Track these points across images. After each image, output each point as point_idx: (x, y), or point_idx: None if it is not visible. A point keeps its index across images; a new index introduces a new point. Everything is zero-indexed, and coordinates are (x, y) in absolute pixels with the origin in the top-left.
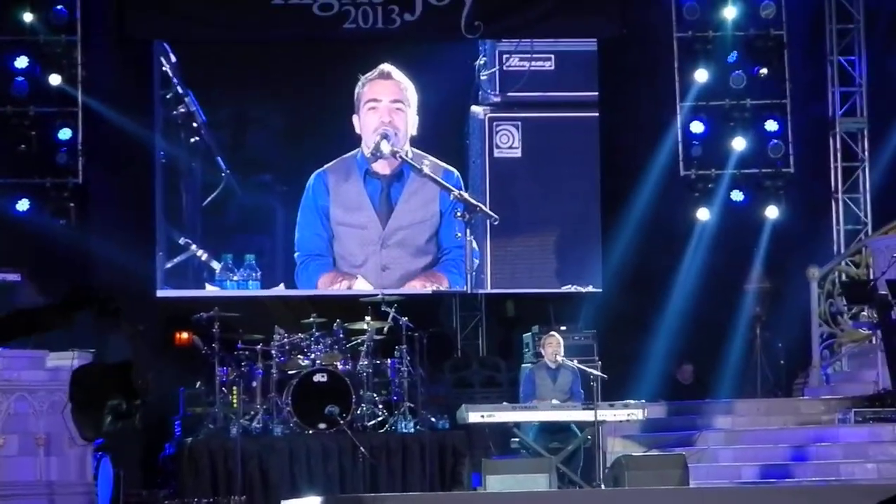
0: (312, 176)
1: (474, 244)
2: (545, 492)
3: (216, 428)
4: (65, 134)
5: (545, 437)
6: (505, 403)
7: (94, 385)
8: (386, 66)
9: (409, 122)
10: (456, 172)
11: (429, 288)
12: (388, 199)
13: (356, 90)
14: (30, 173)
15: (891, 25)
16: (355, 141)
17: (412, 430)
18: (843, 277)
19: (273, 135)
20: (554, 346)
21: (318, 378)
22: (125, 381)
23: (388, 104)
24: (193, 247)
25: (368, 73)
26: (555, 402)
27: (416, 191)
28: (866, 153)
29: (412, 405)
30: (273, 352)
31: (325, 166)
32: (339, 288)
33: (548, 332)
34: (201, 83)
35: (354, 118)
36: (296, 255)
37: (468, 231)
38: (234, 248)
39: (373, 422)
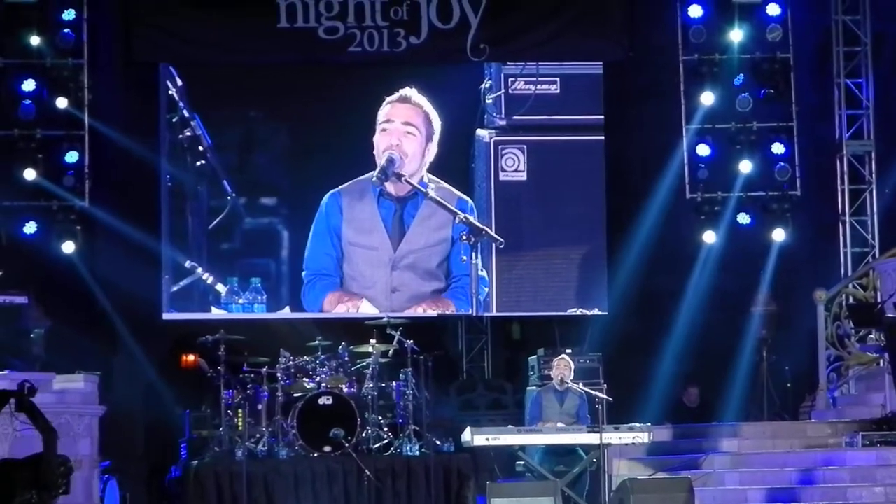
0: (327, 196)
1: (483, 273)
2: None
3: (222, 451)
4: (71, 157)
5: (551, 460)
6: (510, 426)
7: (4, 480)
8: (406, 90)
9: (425, 148)
10: (470, 202)
11: (434, 312)
12: (400, 222)
13: (378, 113)
14: (37, 196)
15: None
16: (363, 163)
17: (417, 452)
18: (851, 300)
19: (279, 158)
20: (562, 369)
21: (323, 401)
22: (36, 475)
23: (399, 126)
24: (199, 270)
25: (391, 96)
26: (560, 425)
27: (430, 215)
28: (873, 176)
29: (417, 428)
30: (278, 374)
31: (340, 187)
32: (345, 308)
33: (556, 355)
34: (207, 106)
35: (374, 139)
36: (303, 273)
37: (474, 255)
38: (240, 271)
39: (378, 444)
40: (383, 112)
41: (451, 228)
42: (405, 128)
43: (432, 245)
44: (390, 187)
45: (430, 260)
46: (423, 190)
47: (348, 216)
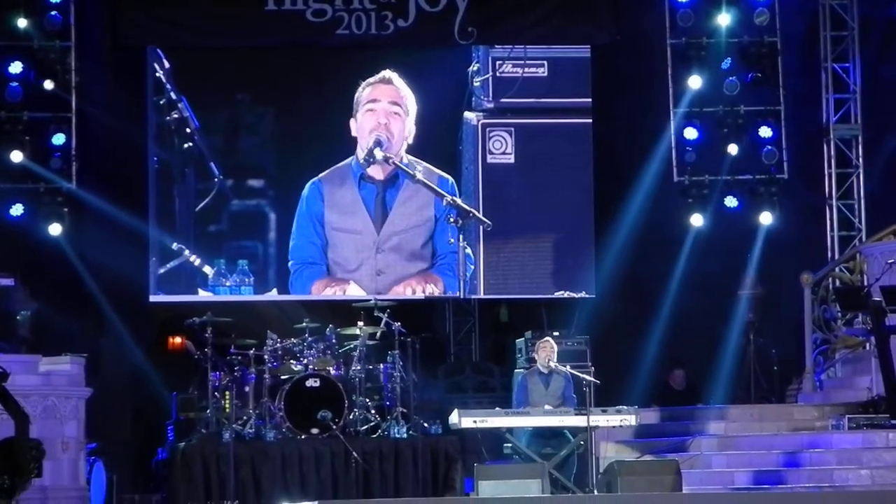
0: (307, 185)
1: (469, 251)
2: (537, 497)
3: (209, 433)
4: (59, 139)
5: (538, 443)
6: (498, 409)
7: None
8: (387, 72)
9: (406, 129)
10: (451, 179)
11: (422, 290)
12: (383, 205)
13: (356, 94)
14: (23, 178)
15: (885, 32)
16: (349, 146)
17: (405, 435)
18: (838, 283)
19: (266, 140)
20: (547, 352)
21: (310, 383)
22: (8, 459)
23: (386, 106)
24: (186, 252)
25: (370, 78)
26: (547, 407)
27: (411, 196)
28: (860, 159)
29: (405, 410)
30: (266, 357)
31: (320, 175)
32: (336, 291)
33: (541, 338)
34: (194, 89)
35: (351, 122)
36: (290, 263)
37: (461, 237)
38: (227, 253)
39: (365, 427)
40: (365, 93)
41: (434, 208)
42: (392, 107)
43: (416, 226)
44: (372, 171)
45: (414, 241)
46: (411, 172)
47: (330, 202)
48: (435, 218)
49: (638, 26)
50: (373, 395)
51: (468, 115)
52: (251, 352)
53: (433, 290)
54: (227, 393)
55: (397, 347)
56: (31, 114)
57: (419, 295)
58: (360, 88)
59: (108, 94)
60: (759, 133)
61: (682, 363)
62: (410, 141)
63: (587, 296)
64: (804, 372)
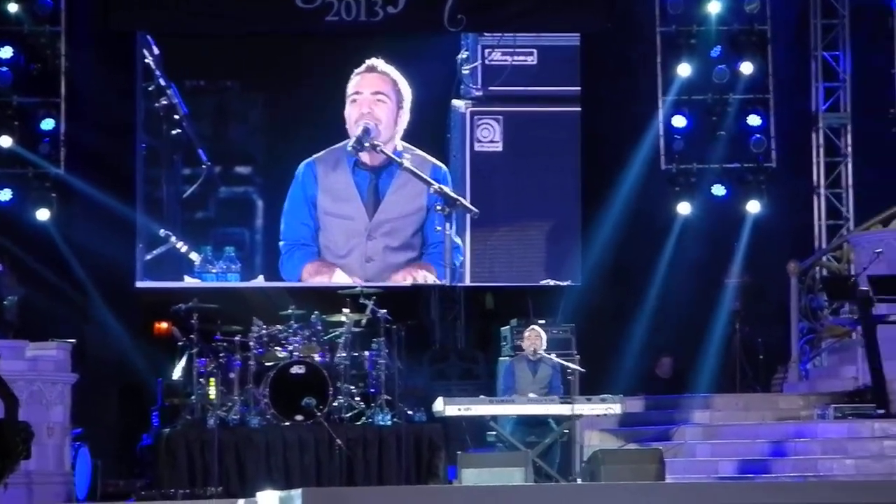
0: (302, 165)
1: (458, 240)
2: (521, 486)
3: (194, 419)
4: (47, 124)
5: (522, 431)
6: (482, 397)
7: None
8: (373, 60)
9: (398, 116)
10: (444, 168)
11: (416, 279)
12: (375, 191)
13: (347, 87)
14: (12, 163)
15: (876, 20)
16: (338, 133)
17: (389, 422)
18: (825, 273)
19: (254, 128)
20: (534, 339)
21: (295, 370)
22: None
23: (368, 96)
24: (173, 238)
25: (358, 68)
26: (532, 395)
27: (404, 184)
28: (849, 148)
29: (389, 398)
30: (251, 343)
31: (315, 156)
32: (325, 278)
33: (529, 326)
34: (183, 76)
35: (345, 113)
36: (280, 243)
37: (449, 226)
38: (214, 240)
39: (350, 414)
40: (352, 84)
41: (426, 197)
42: (374, 97)
43: (408, 214)
44: (365, 157)
45: (405, 229)
46: (398, 160)
47: (324, 185)
48: (427, 207)
49: (628, 14)
50: (357, 382)
51: (456, 102)
52: (237, 338)
53: (426, 278)
54: (212, 379)
55: (382, 335)
56: (21, 98)
57: (407, 282)
58: (350, 78)
59: (98, 79)
60: (748, 121)
61: (670, 351)
62: (404, 126)
63: (573, 284)
64: (790, 361)
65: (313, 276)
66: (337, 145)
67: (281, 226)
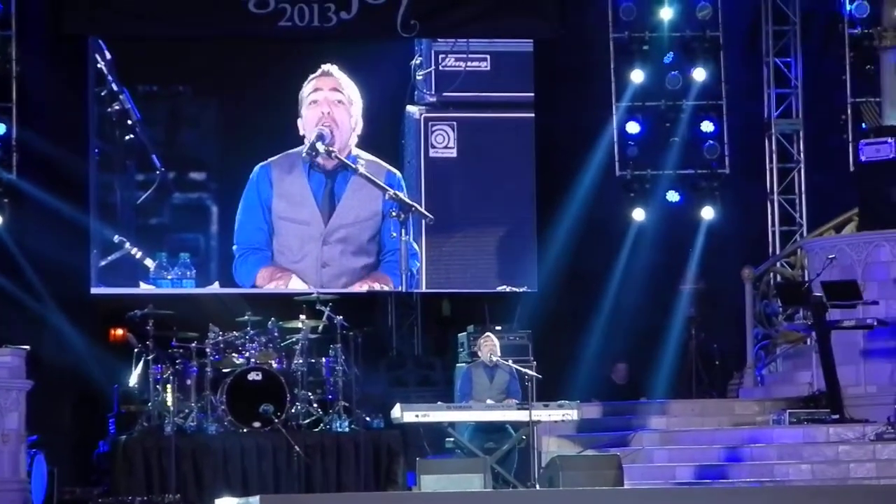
0: (256, 168)
1: (415, 246)
2: (479, 492)
3: (150, 426)
4: None
5: (480, 437)
6: (440, 403)
7: None
8: (327, 66)
9: (352, 120)
10: (398, 174)
11: (368, 289)
12: (331, 196)
13: (300, 93)
14: None
15: (826, 27)
16: (292, 139)
17: (347, 429)
18: (779, 279)
19: (208, 133)
20: (489, 346)
21: (252, 376)
22: None
23: (327, 94)
24: (128, 245)
25: (312, 74)
26: (490, 401)
27: (360, 188)
28: (802, 154)
29: (347, 404)
30: (207, 350)
31: (269, 160)
32: (279, 283)
33: (483, 333)
34: (136, 81)
35: (298, 121)
36: (234, 248)
37: (404, 231)
38: (169, 246)
39: (307, 420)
40: (308, 87)
41: (382, 202)
42: (334, 95)
43: (363, 220)
44: (320, 160)
45: (360, 235)
46: (353, 166)
47: (278, 190)
48: (382, 213)
49: (581, 20)
50: (315, 388)
51: (411, 108)
52: (193, 345)
53: (381, 288)
54: (168, 386)
55: (339, 341)
56: None
57: (363, 289)
58: (304, 85)
59: (50, 84)
60: (701, 127)
61: (625, 357)
62: (359, 132)
63: (529, 290)
64: (745, 367)
65: (268, 281)
66: (291, 150)
67: (235, 229)
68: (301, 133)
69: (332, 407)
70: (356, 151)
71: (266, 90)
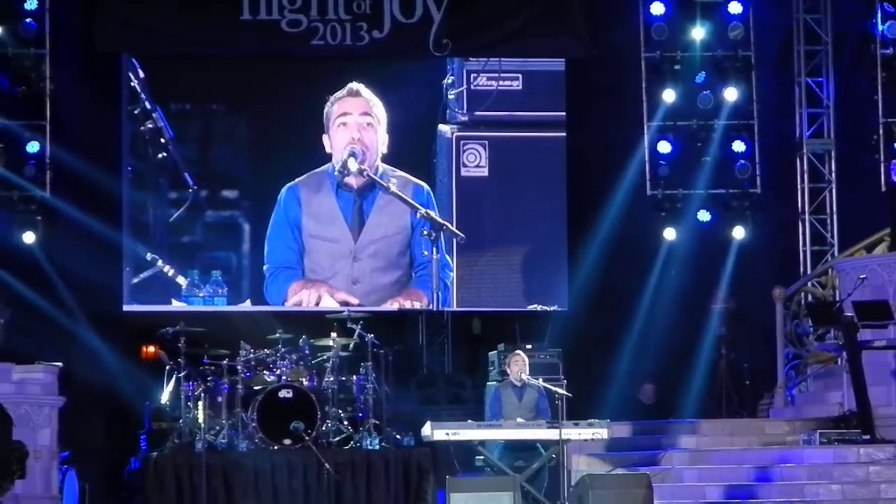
0: (284, 189)
1: (447, 257)
2: None
3: (181, 443)
4: (33, 147)
5: (510, 456)
6: (470, 421)
7: None
8: (354, 84)
9: (379, 140)
10: (426, 187)
11: (399, 307)
12: (360, 213)
13: (325, 109)
14: None
15: (858, 47)
16: (323, 156)
17: (377, 446)
18: (810, 298)
19: (240, 151)
20: (520, 365)
21: (283, 394)
22: None
23: (357, 118)
24: (160, 262)
25: (337, 92)
26: (520, 420)
27: (388, 204)
28: (833, 174)
29: (377, 422)
30: (239, 367)
31: (297, 180)
32: (311, 293)
33: (513, 351)
34: (169, 99)
35: (324, 138)
36: (265, 267)
37: (435, 250)
38: (201, 263)
39: (338, 438)
40: (335, 108)
41: (411, 216)
42: (364, 119)
43: (392, 234)
44: (349, 179)
45: (390, 249)
46: (385, 184)
47: (307, 209)
48: (411, 226)
49: (613, 40)
50: (345, 406)
51: (442, 127)
52: (224, 362)
53: (415, 306)
54: (199, 403)
55: (370, 359)
56: (5, 121)
57: (394, 307)
58: (328, 104)
59: (83, 102)
60: (733, 147)
61: (653, 378)
62: (385, 150)
63: (560, 309)
64: (776, 386)
65: (298, 293)
66: (318, 169)
67: (265, 250)
68: (328, 151)
69: (363, 425)
70: (383, 168)
71: (298, 107)
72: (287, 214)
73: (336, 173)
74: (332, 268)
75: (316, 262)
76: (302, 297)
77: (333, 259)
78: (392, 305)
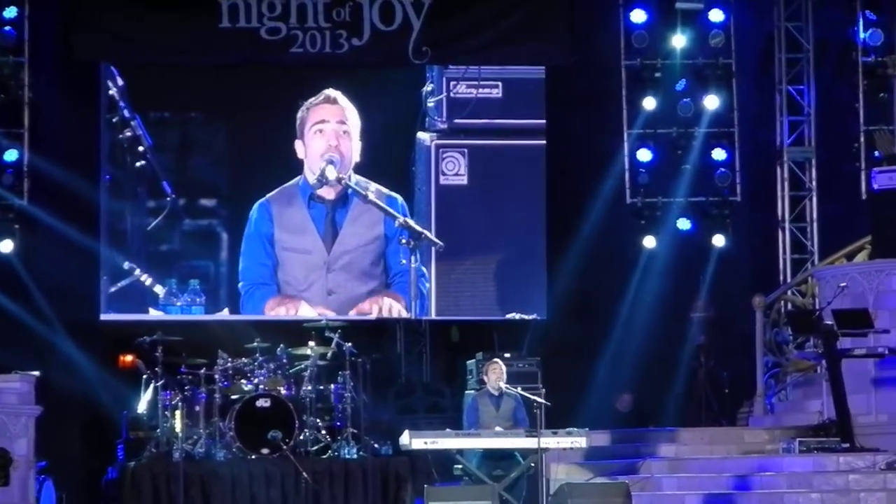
0: (255, 206)
1: (423, 268)
2: None
3: (159, 452)
4: (11, 155)
5: (488, 465)
6: (448, 430)
7: None
8: (331, 91)
9: (354, 148)
10: (400, 199)
11: (387, 308)
12: (332, 224)
13: (298, 115)
14: None
15: (840, 55)
16: (300, 166)
17: (355, 455)
18: (789, 306)
19: (218, 160)
20: (497, 373)
21: (261, 403)
22: None
23: (334, 126)
24: (137, 271)
25: (312, 98)
26: (498, 429)
27: (361, 214)
28: (814, 182)
29: (355, 431)
30: (216, 376)
31: (267, 196)
32: (288, 309)
33: (491, 359)
34: (148, 107)
35: (297, 143)
36: (240, 284)
37: (414, 259)
38: (179, 272)
39: (316, 447)
40: (311, 114)
41: (384, 225)
42: (340, 127)
43: (366, 244)
44: (322, 190)
45: (363, 259)
46: (363, 192)
47: (279, 222)
48: (385, 235)
49: (593, 47)
50: (323, 415)
51: (421, 135)
52: (202, 371)
53: (392, 306)
54: (177, 412)
55: (348, 368)
56: None
57: (375, 314)
58: (301, 109)
59: (62, 111)
60: (713, 155)
61: (632, 386)
62: (357, 159)
63: (538, 318)
64: (755, 395)
65: (275, 310)
66: (289, 183)
67: (239, 266)
68: (300, 157)
69: (341, 433)
70: (356, 178)
71: (277, 116)
72: (259, 230)
73: (314, 182)
74: (306, 279)
75: (290, 274)
76: (279, 314)
77: (308, 270)
78: (371, 306)
